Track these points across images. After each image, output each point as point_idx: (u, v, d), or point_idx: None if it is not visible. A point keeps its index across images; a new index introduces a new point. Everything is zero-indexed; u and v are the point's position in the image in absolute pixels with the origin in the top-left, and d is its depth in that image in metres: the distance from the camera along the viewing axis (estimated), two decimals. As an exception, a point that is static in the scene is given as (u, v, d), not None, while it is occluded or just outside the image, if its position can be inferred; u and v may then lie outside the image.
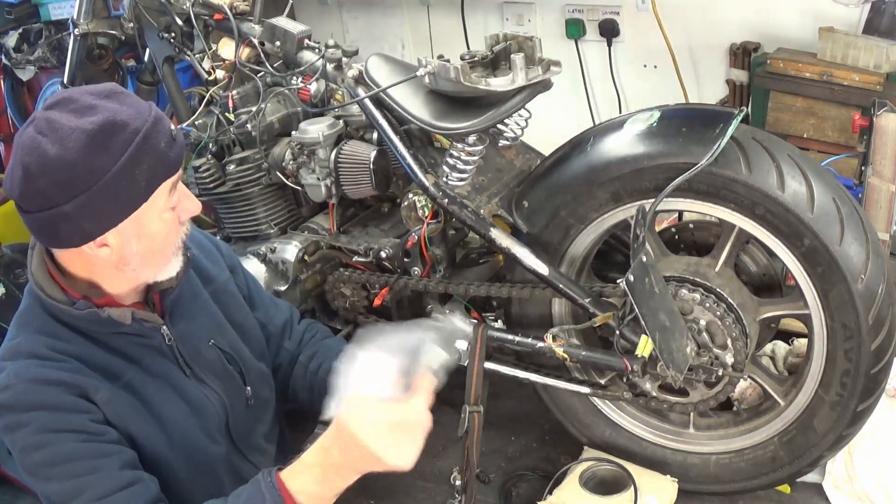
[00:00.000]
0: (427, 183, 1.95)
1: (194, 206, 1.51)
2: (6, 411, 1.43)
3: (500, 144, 2.08)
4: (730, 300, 1.86)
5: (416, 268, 2.11)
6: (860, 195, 2.35)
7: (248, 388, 1.73)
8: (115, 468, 1.43)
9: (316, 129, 2.17)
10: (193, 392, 1.61)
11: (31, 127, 1.37)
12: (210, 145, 2.28)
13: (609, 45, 3.29)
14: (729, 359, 1.85)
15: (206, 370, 1.65)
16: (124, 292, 1.52)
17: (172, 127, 1.44)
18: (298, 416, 1.96)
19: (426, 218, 2.05)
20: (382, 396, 1.24)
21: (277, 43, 2.21)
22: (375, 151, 2.14)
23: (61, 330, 1.48)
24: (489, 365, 2.01)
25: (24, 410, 1.41)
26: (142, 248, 1.45)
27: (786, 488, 2.05)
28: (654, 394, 1.92)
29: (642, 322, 1.71)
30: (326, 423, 1.38)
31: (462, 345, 2.03)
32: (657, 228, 2.13)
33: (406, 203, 2.08)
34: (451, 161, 1.96)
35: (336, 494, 1.36)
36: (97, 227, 1.39)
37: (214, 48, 2.30)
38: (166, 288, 1.57)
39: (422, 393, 1.32)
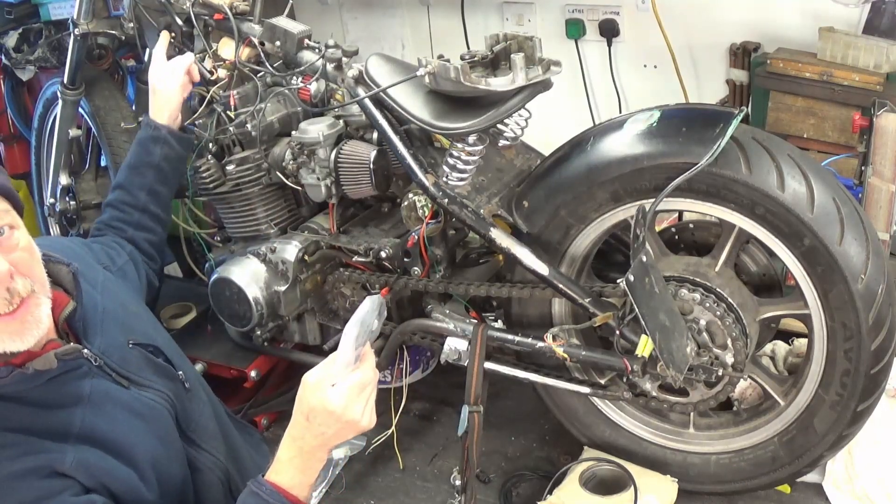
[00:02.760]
0: (427, 183, 1.95)
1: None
2: None
3: (500, 144, 2.08)
4: (730, 300, 1.86)
5: (416, 268, 2.11)
6: (860, 195, 2.35)
7: (180, 372, 1.70)
8: None
9: (316, 129, 2.17)
10: (140, 401, 1.54)
11: None
12: (210, 145, 2.28)
13: (609, 45, 3.28)
14: (729, 359, 1.85)
15: (140, 372, 1.59)
16: (32, 344, 1.40)
17: None
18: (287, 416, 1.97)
19: (426, 218, 2.05)
20: (332, 368, 1.38)
21: (277, 43, 2.21)
22: (375, 151, 2.13)
23: None
24: (489, 365, 2.01)
25: None
26: None
27: (786, 488, 2.05)
28: (654, 394, 1.92)
29: (642, 322, 1.71)
30: None
31: (462, 344, 2.03)
32: (657, 228, 2.13)
33: (406, 203, 2.08)
34: (451, 161, 1.96)
35: (315, 473, 1.43)
36: None
37: (214, 48, 2.30)
38: (70, 312, 1.50)
39: (369, 356, 1.41)
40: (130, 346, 1.61)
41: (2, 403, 1.37)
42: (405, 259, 2.13)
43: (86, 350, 1.49)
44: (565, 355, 1.92)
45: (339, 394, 1.35)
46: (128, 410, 1.51)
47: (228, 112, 2.26)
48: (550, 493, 2.01)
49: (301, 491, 1.39)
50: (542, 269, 1.89)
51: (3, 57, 3.27)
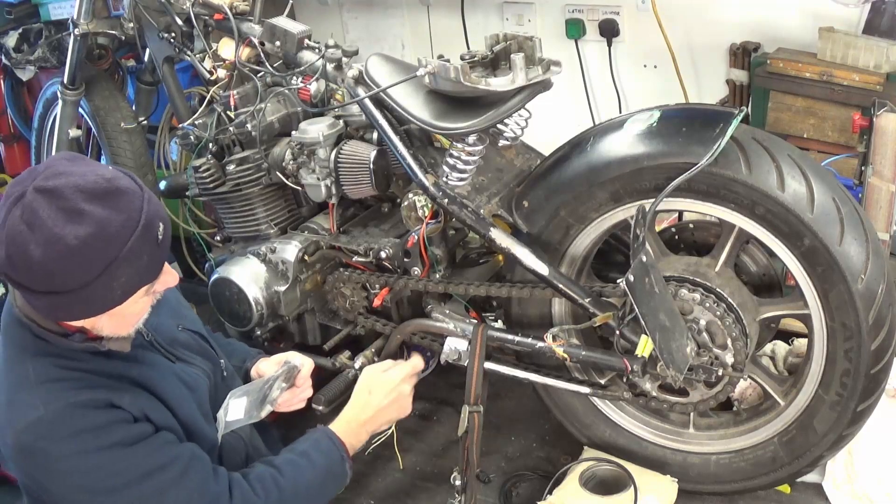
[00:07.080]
0: (427, 183, 1.95)
1: (172, 280, 1.54)
2: (46, 445, 1.42)
3: (500, 144, 2.08)
4: (730, 300, 1.86)
5: (416, 268, 2.11)
6: (860, 195, 2.35)
7: (222, 360, 1.84)
8: (178, 457, 1.51)
9: (316, 129, 2.17)
10: (186, 372, 1.67)
11: (20, 208, 1.35)
12: (210, 145, 2.28)
13: (609, 45, 3.28)
14: (729, 359, 1.85)
15: (186, 351, 1.73)
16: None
17: (160, 229, 1.44)
18: (295, 416, 1.97)
19: (426, 218, 2.05)
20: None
21: (277, 43, 2.21)
22: (375, 151, 2.13)
23: (61, 351, 1.49)
24: (489, 365, 2.01)
25: (63, 439, 1.43)
26: (112, 323, 1.49)
27: (786, 488, 2.05)
28: (654, 394, 1.92)
29: (642, 322, 1.71)
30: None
31: (462, 344, 2.03)
32: (657, 228, 2.13)
33: (406, 203, 2.08)
34: (451, 161, 1.96)
35: (363, 441, 1.85)
36: (69, 318, 1.45)
37: (214, 48, 2.30)
38: None
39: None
40: (180, 329, 1.78)
41: (69, 351, 1.50)
42: (405, 259, 2.12)
43: (140, 324, 1.59)
44: (565, 355, 1.92)
45: (397, 372, 1.89)
46: (175, 376, 1.64)
47: (228, 112, 2.26)
48: (550, 493, 2.01)
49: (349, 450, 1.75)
50: (542, 269, 1.89)
51: (3, 57, 3.27)
